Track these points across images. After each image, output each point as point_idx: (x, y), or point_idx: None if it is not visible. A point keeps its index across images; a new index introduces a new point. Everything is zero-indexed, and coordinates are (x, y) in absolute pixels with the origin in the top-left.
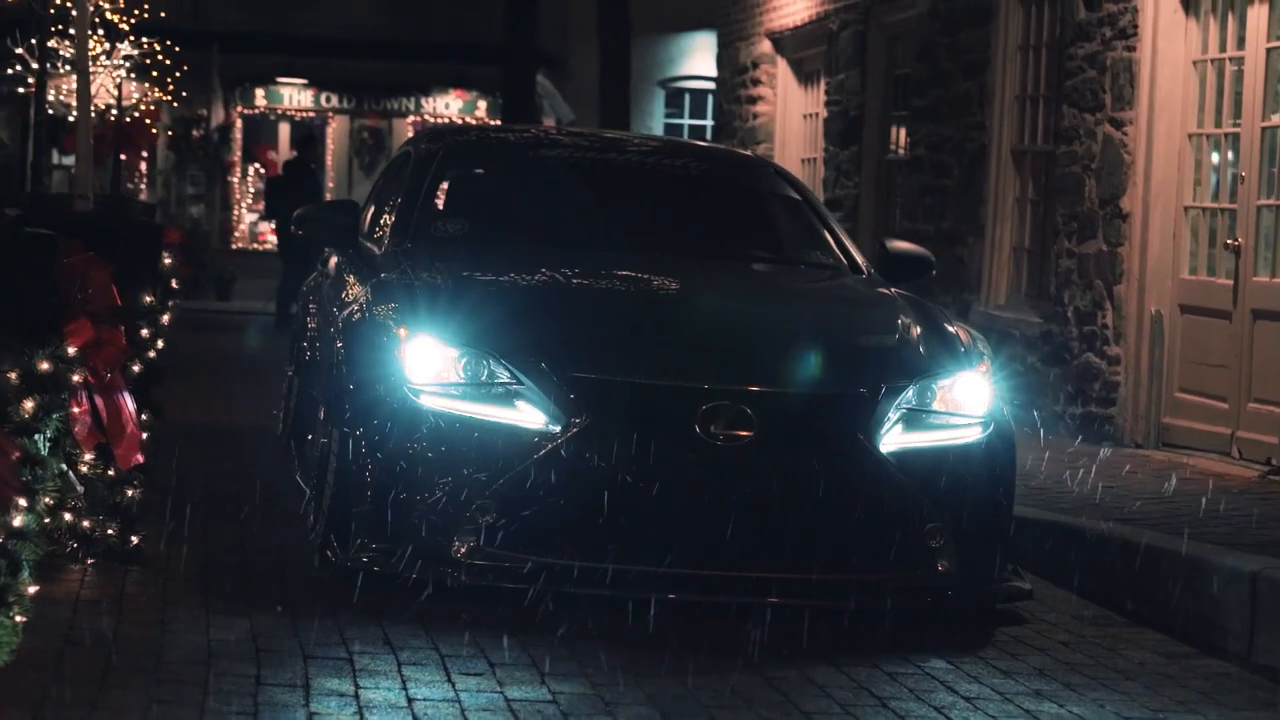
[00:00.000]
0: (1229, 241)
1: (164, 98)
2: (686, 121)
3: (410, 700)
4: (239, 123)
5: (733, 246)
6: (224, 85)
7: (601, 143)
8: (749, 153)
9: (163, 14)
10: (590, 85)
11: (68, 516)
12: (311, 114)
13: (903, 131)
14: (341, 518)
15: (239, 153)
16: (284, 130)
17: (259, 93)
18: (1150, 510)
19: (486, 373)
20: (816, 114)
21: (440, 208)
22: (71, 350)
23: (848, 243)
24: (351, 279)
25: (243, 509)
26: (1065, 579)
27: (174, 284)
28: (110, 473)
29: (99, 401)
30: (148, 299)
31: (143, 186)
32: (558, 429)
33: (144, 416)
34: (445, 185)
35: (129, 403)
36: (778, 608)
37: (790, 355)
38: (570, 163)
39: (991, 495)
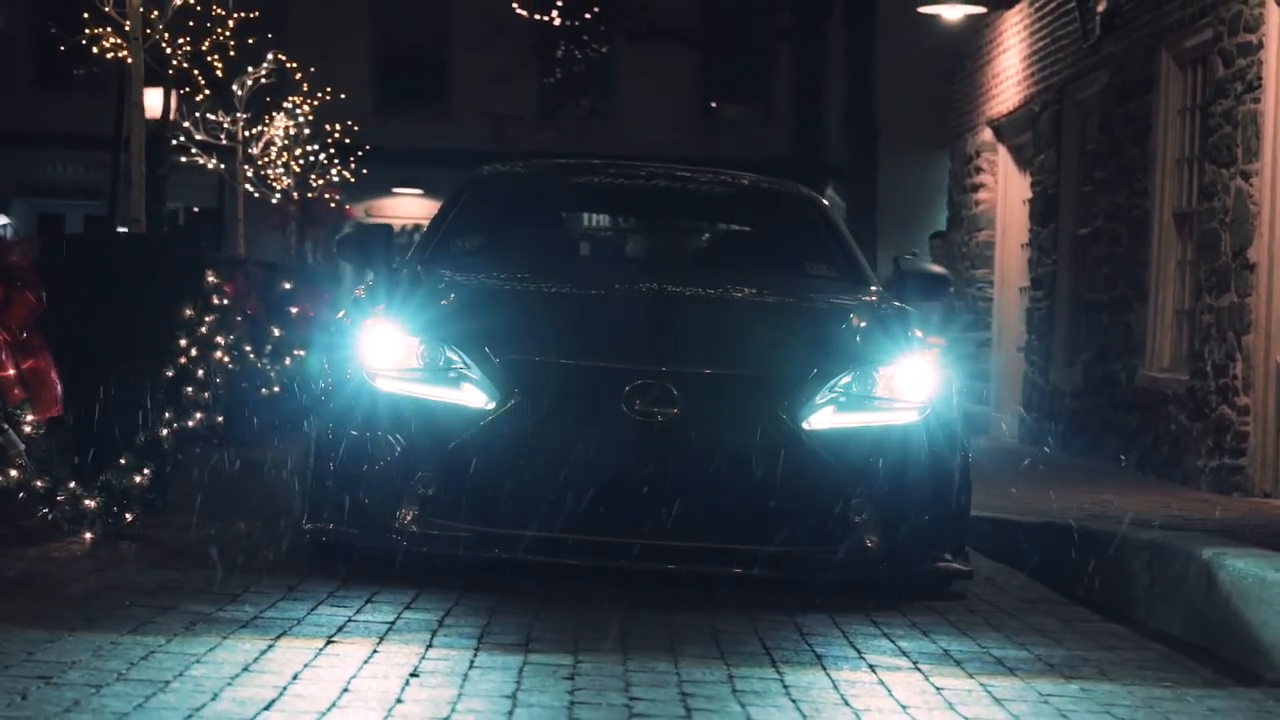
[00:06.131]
0: None
1: (347, 177)
2: None
3: (255, 618)
4: None
5: (732, 258)
6: None
7: (629, 170)
8: (780, 181)
9: (343, 95)
10: (881, 196)
11: (13, 473)
12: None
13: (1089, 204)
14: (313, 492)
15: None
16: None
17: None
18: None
19: (443, 359)
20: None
21: (461, 227)
22: None
23: (860, 261)
24: None
25: (280, 514)
26: (1036, 572)
27: (215, 300)
28: (121, 460)
29: (25, 364)
30: (188, 312)
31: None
32: (493, 406)
33: (167, 414)
34: (473, 208)
35: (49, 361)
36: (684, 575)
37: (719, 340)
38: (592, 188)
39: (927, 477)
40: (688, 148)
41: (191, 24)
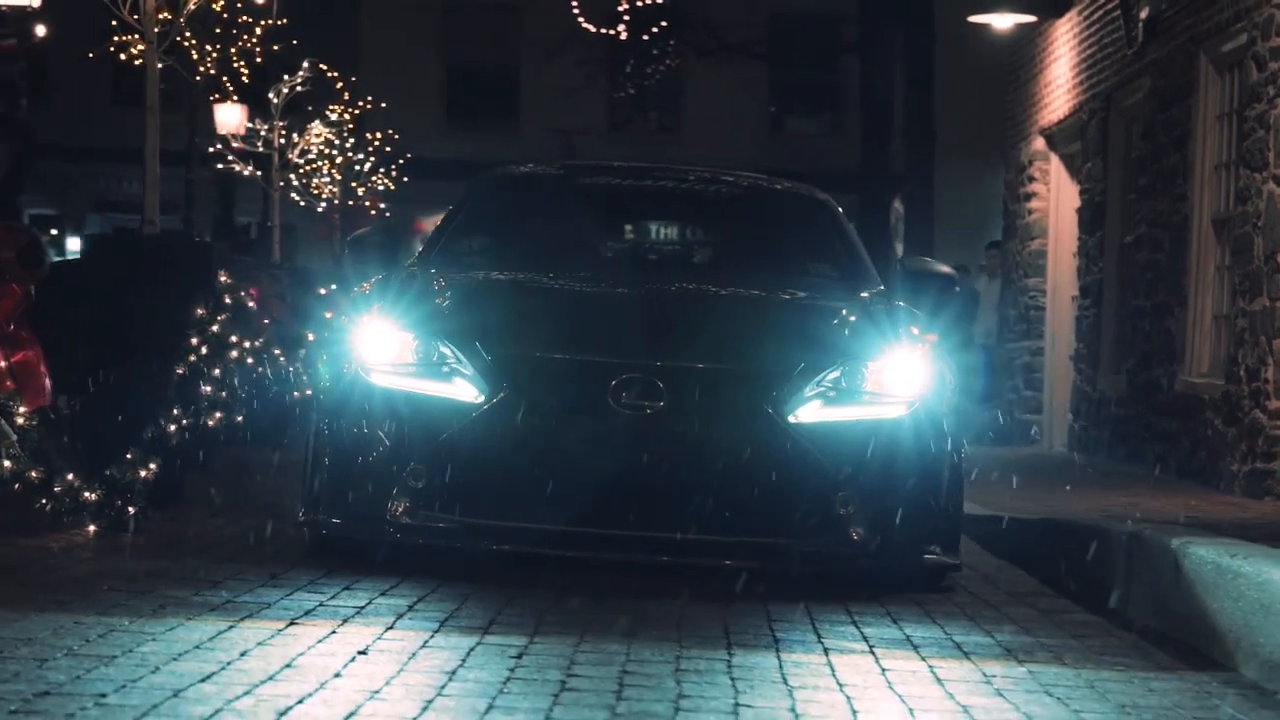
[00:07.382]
0: None
1: (390, 186)
2: None
3: (228, 602)
4: None
5: (731, 258)
6: None
7: (637, 172)
8: (790, 183)
9: (384, 105)
10: (942, 207)
11: (6, 464)
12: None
13: (1133, 211)
14: (309, 484)
15: None
16: None
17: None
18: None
19: (435, 354)
20: None
21: (466, 228)
22: None
23: (864, 262)
24: None
25: (288, 510)
26: (1033, 567)
27: (227, 300)
28: (128, 455)
29: (14, 357)
30: (199, 311)
31: None
32: (483, 400)
33: (176, 411)
34: (478, 210)
35: (39, 353)
36: (669, 567)
37: (707, 335)
38: (597, 189)
39: (915, 470)
40: (756, 161)
41: (219, 30)
